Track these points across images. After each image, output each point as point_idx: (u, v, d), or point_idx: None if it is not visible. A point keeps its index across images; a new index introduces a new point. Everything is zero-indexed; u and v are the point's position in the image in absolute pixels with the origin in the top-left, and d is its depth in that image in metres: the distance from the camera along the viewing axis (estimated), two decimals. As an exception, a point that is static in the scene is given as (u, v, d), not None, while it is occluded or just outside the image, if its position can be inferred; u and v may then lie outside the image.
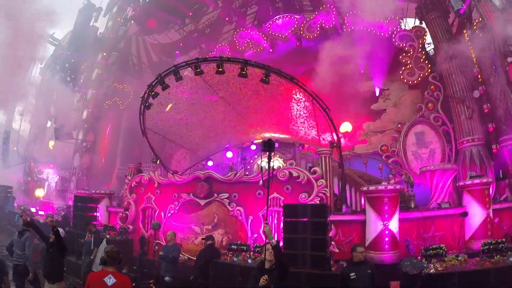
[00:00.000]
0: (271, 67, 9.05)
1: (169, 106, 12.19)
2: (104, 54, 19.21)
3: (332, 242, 7.37)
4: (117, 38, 19.36)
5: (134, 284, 7.23)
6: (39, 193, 18.83)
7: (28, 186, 20.43)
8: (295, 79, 9.19)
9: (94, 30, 20.73)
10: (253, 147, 14.27)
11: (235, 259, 7.35)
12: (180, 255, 7.88)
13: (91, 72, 19.74)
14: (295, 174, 8.48)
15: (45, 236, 5.87)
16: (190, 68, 9.88)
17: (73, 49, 19.93)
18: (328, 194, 8.17)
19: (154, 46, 21.13)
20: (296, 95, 10.83)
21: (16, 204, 16.16)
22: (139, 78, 19.20)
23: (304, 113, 11.66)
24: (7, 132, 24.05)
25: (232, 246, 7.65)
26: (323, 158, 8.79)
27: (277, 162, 12.12)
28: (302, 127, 12.51)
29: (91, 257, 8.14)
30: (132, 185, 10.74)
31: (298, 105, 11.44)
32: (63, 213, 13.05)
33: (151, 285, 7.09)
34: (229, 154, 14.68)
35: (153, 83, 10.06)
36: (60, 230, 6.01)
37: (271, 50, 15.40)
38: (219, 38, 20.80)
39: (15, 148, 24.29)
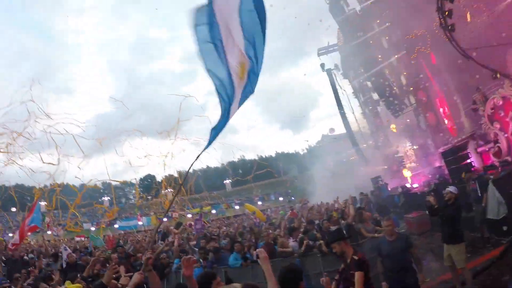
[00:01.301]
0: None
1: (468, 14, 10.20)
2: (378, 21, 18.69)
3: None
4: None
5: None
6: (407, 173, 19.03)
7: (392, 170, 21.47)
8: None
9: (352, 12, 21.23)
10: None
11: None
12: None
13: (381, 40, 19.67)
14: None
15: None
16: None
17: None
18: None
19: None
20: None
21: (389, 188, 17.15)
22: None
23: None
24: (351, 135, 26.85)
25: None
26: None
27: None
28: None
29: (482, 204, 7.45)
30: (489, 113, 9.33)
31: None
32: (437, 176, 12.73)
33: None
34: None
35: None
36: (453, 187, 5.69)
37: None
38: None
39: (364, 145, 27.27)
